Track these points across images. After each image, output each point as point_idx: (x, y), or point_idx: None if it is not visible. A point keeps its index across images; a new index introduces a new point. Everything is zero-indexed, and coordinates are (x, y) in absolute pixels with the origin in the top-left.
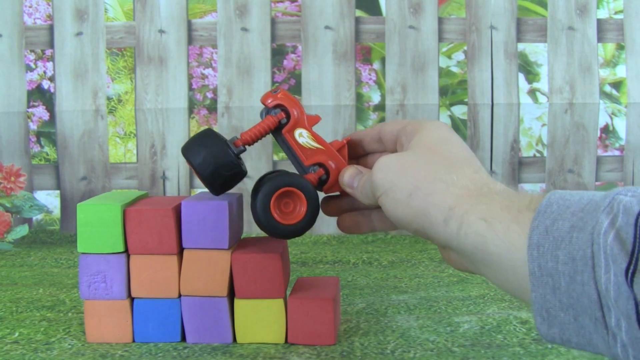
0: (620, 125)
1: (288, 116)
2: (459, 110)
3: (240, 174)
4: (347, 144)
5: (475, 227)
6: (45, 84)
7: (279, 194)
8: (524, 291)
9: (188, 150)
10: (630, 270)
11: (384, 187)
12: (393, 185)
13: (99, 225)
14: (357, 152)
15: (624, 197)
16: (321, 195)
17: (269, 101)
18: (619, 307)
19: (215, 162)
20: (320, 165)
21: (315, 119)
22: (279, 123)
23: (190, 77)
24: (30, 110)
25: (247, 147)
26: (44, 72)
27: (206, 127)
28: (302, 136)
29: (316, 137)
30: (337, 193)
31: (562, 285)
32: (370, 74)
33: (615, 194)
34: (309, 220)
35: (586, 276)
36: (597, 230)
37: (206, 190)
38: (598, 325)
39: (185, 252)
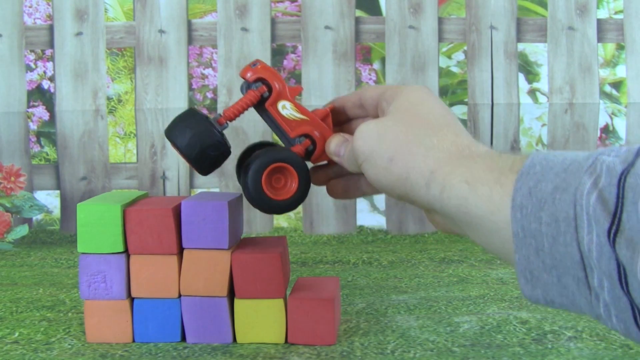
0: (620, 125)
1: (270, 89)
2: (459, 110)
3: (227, 152)
4: (330, 112)
5: (458, 190)
6: (45, 84)
7: (269, 170)
8: (508, 252)
9: (172, 132)
10: (613, 231)
11: (365, 155)
12: (373, 152)
13: (99, 225)
14: (340, 119)
15: (607, 158)
16: (309, 164)
17: (249, 75)
18: (601, 268)
19: (201, 143)
20: (306, 136)
21: (296, 90)
22: (261, 97)
23: (190, 77)
24: (30, 110)
25: (229, 123)
26: (44, 72)
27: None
28: (285, 108)
29: (300, 108)
30: (325, 162)
31: (545, 247)
32: (370, 74)
33: (599, 154)
34: (302, 195)
35: (569, 237)
36: (580, 191)
37: (206, 190)
38: (581, 285)
39: (185, 252)
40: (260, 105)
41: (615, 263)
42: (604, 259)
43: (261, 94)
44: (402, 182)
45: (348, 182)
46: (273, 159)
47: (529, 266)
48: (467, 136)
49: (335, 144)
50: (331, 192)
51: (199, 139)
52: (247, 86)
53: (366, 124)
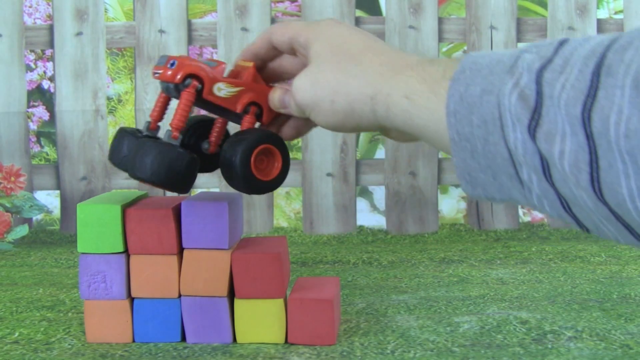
0: None
1: (201, 80)
2: None
3: (198, 162)
4: (255, 68)
5: (400, 106)
6: (45, 84)
7: (256, 152)
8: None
9: (139, 170)
10: (532, 126)
11: (308, 106)
12: (314, 101)
13: (99, 225)
14: (259, 66)
15: (528, 55)
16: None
17: (169, 74)
18: (527, 162)
19: (177, 170)
20: (250, 103)
21: (221, 68)
22: (196, 92)
23: None
24: (30, 110)
25: (181, 132)
26: (44, 72)
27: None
28: (221, 90)
29: (232, 82)
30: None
31: (478, 148)
32: None
33: (521, 52)
34: (284, 174)
35: (497, 137)
36: (502, 92)
37: (205, 190)
38: (514, 181)
39: (185, 252)
40: (197, 100)
41: (538, 157)
42: (528, 153)
43: (195, 89)
44: (350, 117)
45: (297, 122)
46: (259, 141)
47: (467, 168)
48: (391, 51)
49: (279, 99)
50: (284, 136)
51: (174, 167)
52: (175, 88)
53: (297, 78)
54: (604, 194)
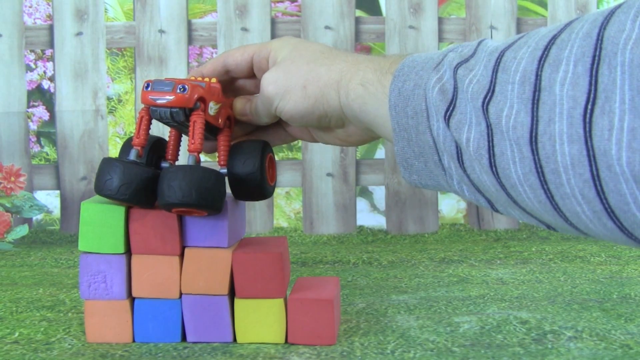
0: None
1: (204, 101)
2: None
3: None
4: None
5: (356, 92)
6: (45, 84)
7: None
8: None
9: (182, 194)
10: (447, 115)
11: (279, 94)
12: (286, 87)
13: (101, 225)
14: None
15: (452, 54)
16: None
17: (184, 99)
18: (446, 150)
19: (222, 190)
20: (227, 117)
21: (208, 87)
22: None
23: None
24: (30, 110)
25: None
26: (44, 72)
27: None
28: (211, 108)
29: (216, 100)
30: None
31: (412, 137)
32: None
33: (448, 51)
34: (276, 179)
35: (424, 126)
36: (427, 86)
37: None
38: (438, 167)
39: (186, 251)
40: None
41: (454, 144)
42: (447, 141)
43: (202, 111)
44: (320, 101)
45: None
46: (265, 151)
47: (405, 155)
48: (349, 52)
49: (241, 106)
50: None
51: (218, 189)
52: (183, 112)
53: (268, 72)
54: (500, 177)
